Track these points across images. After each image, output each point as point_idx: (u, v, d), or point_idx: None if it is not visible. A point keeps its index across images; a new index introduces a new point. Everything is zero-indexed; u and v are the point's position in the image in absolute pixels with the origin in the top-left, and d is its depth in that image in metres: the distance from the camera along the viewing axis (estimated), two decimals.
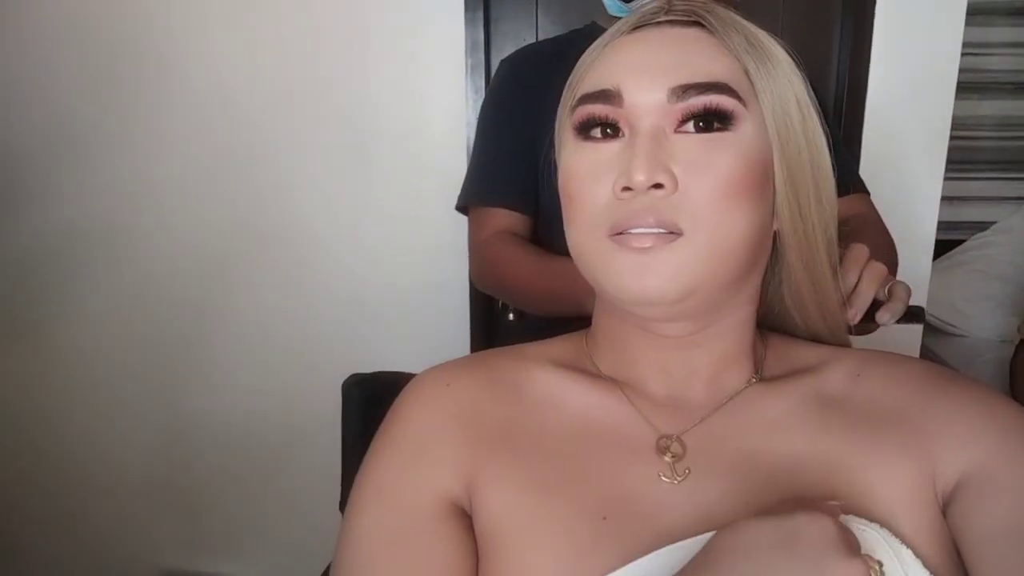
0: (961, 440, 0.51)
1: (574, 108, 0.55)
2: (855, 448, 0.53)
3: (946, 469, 0.51)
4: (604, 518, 0.52)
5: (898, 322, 0.72)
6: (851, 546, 0.42)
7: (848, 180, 1.11)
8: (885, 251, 1.03)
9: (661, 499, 0.53)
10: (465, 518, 0.55)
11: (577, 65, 0.58)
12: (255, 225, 1.68)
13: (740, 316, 0.58)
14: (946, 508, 0.51)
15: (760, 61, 0.54)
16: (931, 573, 0.48)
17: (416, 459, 0.56)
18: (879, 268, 0.72)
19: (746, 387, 0.59)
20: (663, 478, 0.54)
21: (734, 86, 0.52)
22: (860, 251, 0.74)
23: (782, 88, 0.54)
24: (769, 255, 0.58)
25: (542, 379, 0.59)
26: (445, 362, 0.62)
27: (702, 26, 0.54)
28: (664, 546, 0.51)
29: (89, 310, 1.77)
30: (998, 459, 0.50)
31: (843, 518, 0.47)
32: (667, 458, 0.55)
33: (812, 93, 0.56)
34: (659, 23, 0.55)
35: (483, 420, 0.57)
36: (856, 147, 1.63)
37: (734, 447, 0.55)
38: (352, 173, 1.64)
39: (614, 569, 0.50)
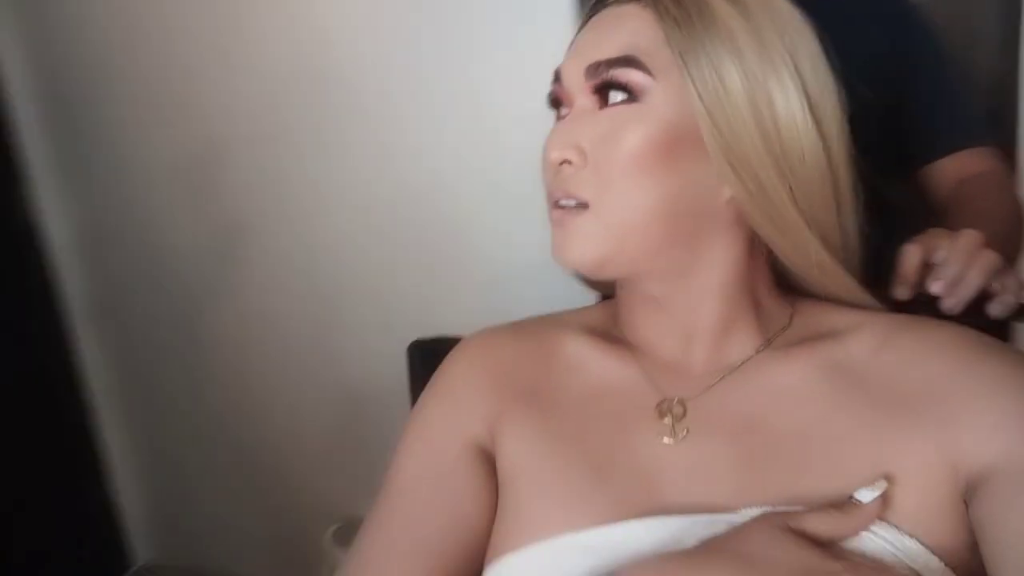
0: (992, 427, 0.50)
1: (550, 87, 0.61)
2: (867, 422, 0.53)
3: (971, 456, 0.50)
4: (599, 470, 0.57)
5: (1011, 318, 0.67)
6: None
7: (959, 133, 0.97)
8: (1007, 223, 0.89)
9: (657, 457, 0.57)
10: (490, 461, 0.62)
11: None
12: (398, 211, 1.70)
13: (715, 280, 0.58)
14: (969, 497, 0.50)
15: (688, 28, 0.53)
16: (940, 559, 0.49)
17: (452, 408, 0.64)
18: (989, 257, 0.65)
19: (754, 354, 0.60)
20: (663, 438, 0.58)
21: (642, 57, 0.53)
22: (969, 239, 0.66)
23: (718, 54, 0.53)
24: (735, 221, 0.58)
25: (572, 344, 0.65)
26: (492, 326, 0.69)
27: (640, 1, 0.56)
28: (655, 500, 0.55)
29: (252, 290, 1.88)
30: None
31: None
32: (666, 420, 0.58)
33: (815, 54, 0.55)
34: (610, 4, 0.58)
35: (513, 378, 0.63)
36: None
37: (736, 412, 0.57)
38: (481, 159, 1.61)
39: (604, 518, 0.54)
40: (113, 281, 2.00)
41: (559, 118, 0.60)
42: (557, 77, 0.59)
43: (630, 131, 0.53)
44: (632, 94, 0.54)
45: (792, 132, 0.54)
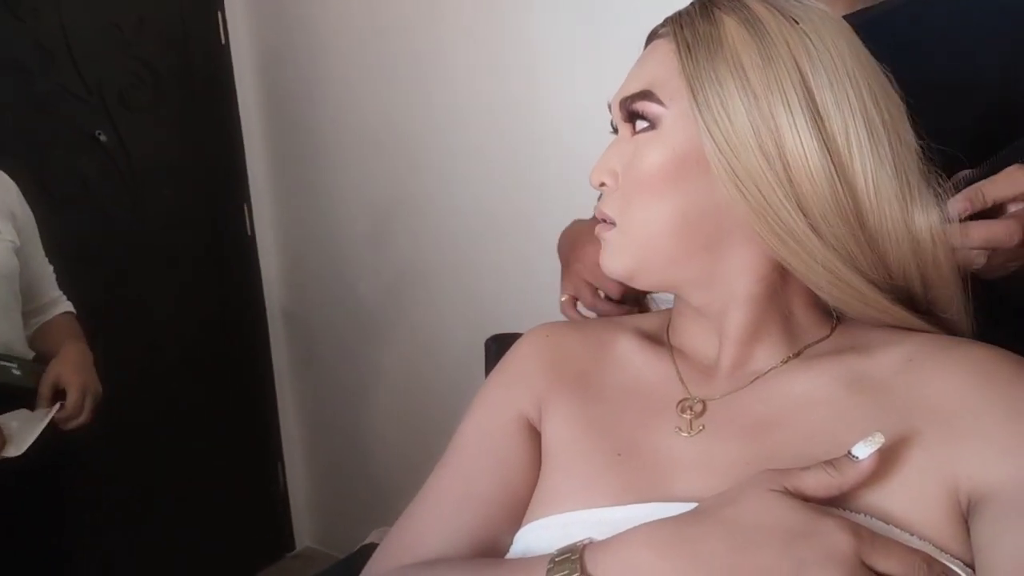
0: (1001, 450, 0.49)
1: None
2: (875, 429, 0.52)
3: (975, 476, 0.49)
4: (619, 455, 0.61)
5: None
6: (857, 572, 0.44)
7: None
8: None
9: (672, 449, 0.60)
10: (536, 436, 0.68)
11: None
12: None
13: (740, 290, 0.61)
14: (971, 517, 0.49)
15: (696, 57, 0.57)
16: (952, 556, 0.48)
17: (510, 385, 0.71)
18: None
19: (781, 365, 0.61)
20: (680, 432, 0.61)
21: (656, 90, 0.59)
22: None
23: (723, 79, 0.56)
24: (753, 235, 0.59)
25: (623, 343, 0.70)
26: (562, 321, 0.77)
27: (667, 34, 0.62)
28: (665, 489, 0.58)
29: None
30: None
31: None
32: (686, 415, 0.62)
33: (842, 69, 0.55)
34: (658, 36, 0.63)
35: (567, 366, 0.70)
36: None
37: (752, 415, 0.59)
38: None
39: (618, 499, 0.58)
40: (306, 293, 2.29)
41: None
42: (611, 109, 0.65)
43: (646, 155, 0.60)
44: (651, 122, 0.60)
45: (797, 151, 0.54)
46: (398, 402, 2.16)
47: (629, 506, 0.57)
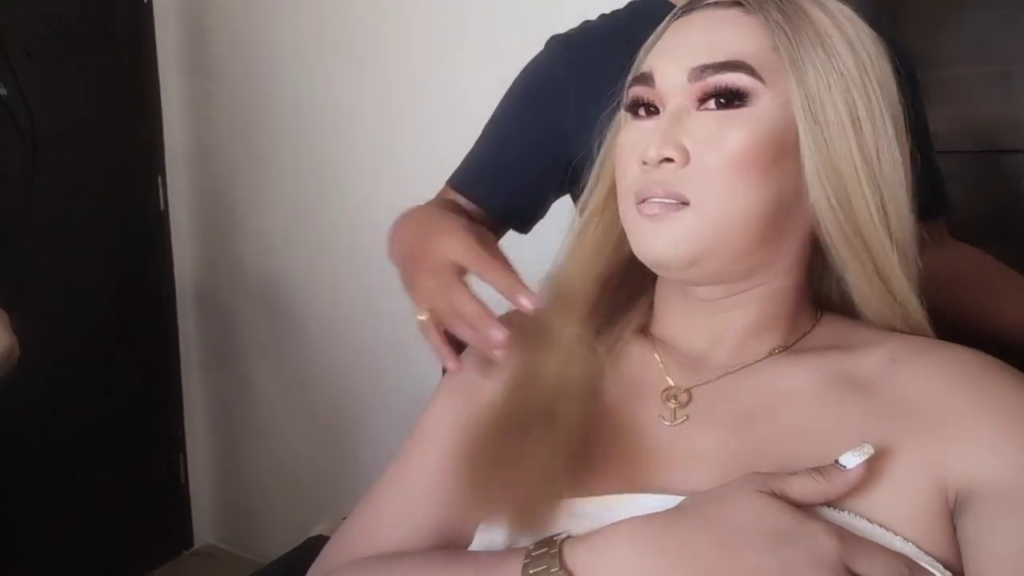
0: (986, 447, 0.50)
1: (627, 89, 0.61)
2: (860, 426, 0.54)
3: (962, 473, 0.50)
4: (604, 445, 0.58)
5: None
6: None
7: (935, 200, 0.96)
8: None
9: (654, 435, 0.59)
10: None
11: (642, 48, 0.63)
12: None
13: (775, 286, 0.60)
14: (957, 514, 0.50)
15: (797, 38, 0.55)
16: (933, 558, 0.49)
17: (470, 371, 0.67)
18: None
19: (767, 356, 0.60)
20: (663, 420, 0.59)
21: (753, 63, 0.55)
22: None
23: (822, 64, 0.55)
24: (806, 230, 0.59)
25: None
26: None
27: (741, 5, 0.57)
28: (647, 478, 0.56)
29: None
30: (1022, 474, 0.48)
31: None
32: (670, 404, 0.60)
33: (892, 77, 0.57)
34: (704, 6, 0.59)
35: None
36: None
37: (736, 406, 0.58)
38: None
39: (599, 489, 0.56)
40: (221, 276, 2.16)
41: (634, 116, 0.60)
42: (645, 79, 0.59)
43: (736, 133, 0.54)
44: (740, 98, 0.55)
45: (884, 146, 0.55)
46: (315, 398, 2.06)
47: (605, 496, 0.55)
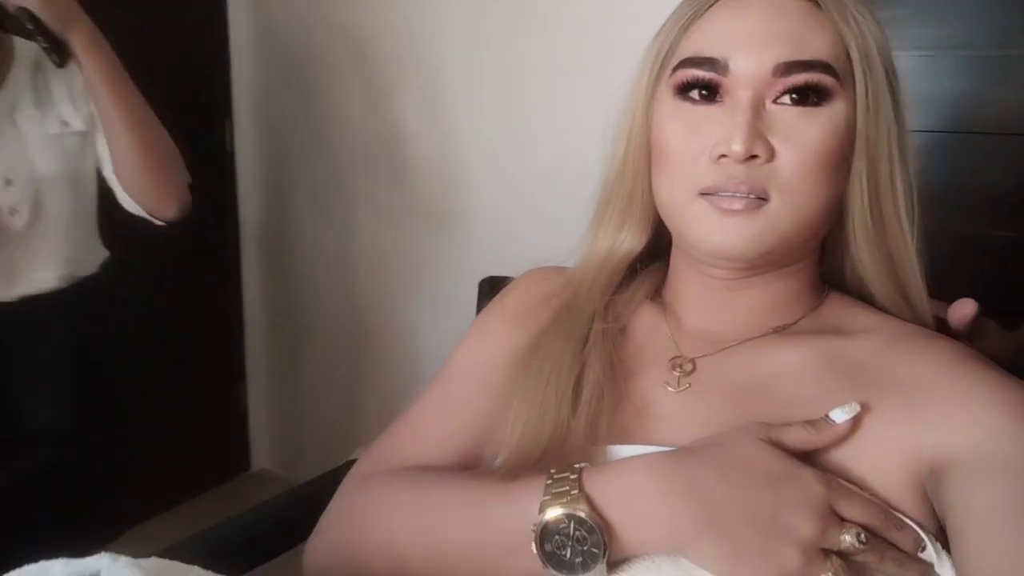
0: (963, 422, 0.53)
1: (675, 69, 0.59)
2: (846, 403, 0.56)
3: (938, 446, 0.53)
4: (612, 402, 0.61)
5: None
6: (827, 521, 0.49)
7: None
8: None
9: (656, 399, 0.62)
10: None
11: (674, 21, 0.61)
12: None
13: (791, 269, 0.62)
14: (934, 486, 0.53)
15: (862, 40, 0.57)
16: (909, 519, 0.52)
17: (506, 317, 0.71)
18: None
19: (769, 333, 0.63)
20: (667, 387, 0.62)
21: (834, 64, 0.56)
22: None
23: (877, 66, 0.57)
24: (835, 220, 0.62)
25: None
26: (556, 266, 0.75)
27: (816, 3, 0.57)
28: (649, 437, 0.60)
29: None
30: (999, 440, 0.51)
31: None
32: (675, 372, 0.63)
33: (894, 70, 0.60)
34: None
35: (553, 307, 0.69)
36: None
37: (737, 378, 0.61)
38: None
39: (606, 441, 0.59)
40: (286, 216, 2.25)
41: (684, 99, 0.59)
42: (713, 64, 0.57)
43: (815, 131, 0.56)
44: (820, 97, 0.56)
45: (907, 151, 0.60)
46: (380, 337, 2.15)
47: (611, 447, 0.59)
